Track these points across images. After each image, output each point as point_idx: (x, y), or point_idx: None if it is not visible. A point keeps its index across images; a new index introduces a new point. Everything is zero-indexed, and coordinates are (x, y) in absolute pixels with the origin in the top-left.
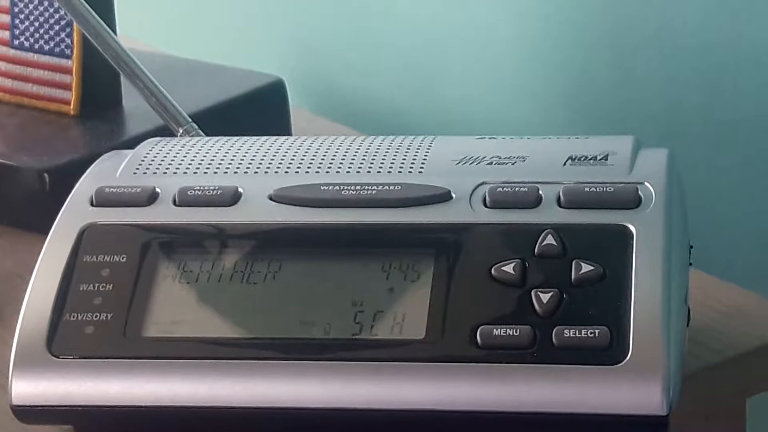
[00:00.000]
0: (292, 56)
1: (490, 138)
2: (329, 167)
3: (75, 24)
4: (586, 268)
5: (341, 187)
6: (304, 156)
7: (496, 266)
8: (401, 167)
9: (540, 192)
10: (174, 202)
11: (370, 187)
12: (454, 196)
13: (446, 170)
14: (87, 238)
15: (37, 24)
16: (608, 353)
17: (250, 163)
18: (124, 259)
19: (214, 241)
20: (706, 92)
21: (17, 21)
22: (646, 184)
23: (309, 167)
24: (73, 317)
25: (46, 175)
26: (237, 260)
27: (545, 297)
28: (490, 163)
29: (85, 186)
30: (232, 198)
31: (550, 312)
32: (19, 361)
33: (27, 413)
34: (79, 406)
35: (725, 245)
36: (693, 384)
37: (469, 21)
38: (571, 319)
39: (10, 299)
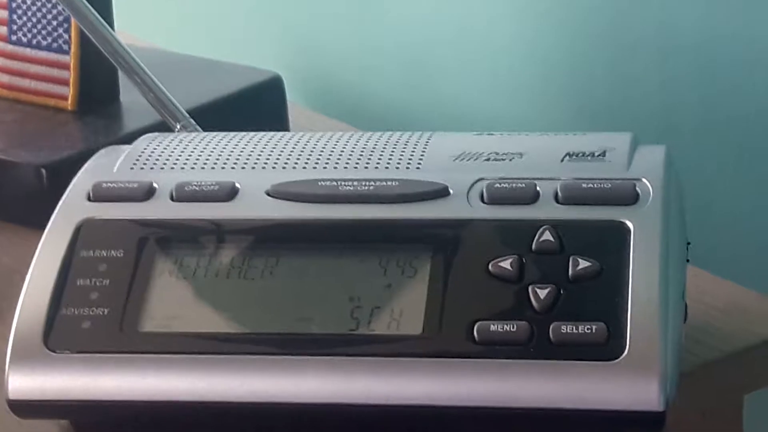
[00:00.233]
0: (289, 52)
1: (487, 134)
2: (327, 163)
3: (73, 20)
4: (583, 264)
5: (339, 183)
6: (301, 152)
7: (493, 262)
8: (399, 163)
9: (537, 188)
10: (171, 198)
11: (367, 183)
12: (451, 192)
13: (444, 166)
14: (84, 233)
15: (34, 20)
16: (605, 349)
17: (247, 159)
18: (121, 254)
19: (211, 236)
20: (703, 90)
21: (15, 16)
22: (643, 180)
23: (306, 163)
24: (70, 312)
25: (43, 170)
26: (234, 255)
27: (542, 293)
28: (488, 159)
29: (82, 181)
30: (230, 193)
31: (547, 308)
32: (16, 355)
33: (23, 408)
34: (76, 400)
35: (722, 242)
36: (690, 381)
37: (467, 18)
38: (568, 314)
39: (7, 294)
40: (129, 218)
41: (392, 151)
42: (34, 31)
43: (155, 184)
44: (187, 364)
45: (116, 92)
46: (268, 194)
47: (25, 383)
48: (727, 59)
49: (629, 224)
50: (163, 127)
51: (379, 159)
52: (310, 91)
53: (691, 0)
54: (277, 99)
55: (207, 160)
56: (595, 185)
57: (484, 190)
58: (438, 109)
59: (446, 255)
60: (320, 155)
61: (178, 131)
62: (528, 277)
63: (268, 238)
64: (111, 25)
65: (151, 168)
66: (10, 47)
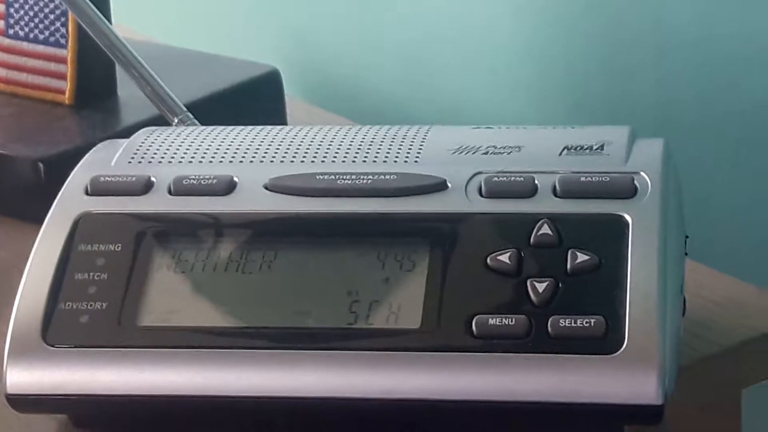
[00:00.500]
0: (287, 46)
1: (485, 128)
2: (325, 156)
3: (70, 13)
4: (581, 257)
5: (337, 177)
6: (299, 145)
7: (491, 256)
8: (397, 157)
9: (536, 181)
10: (169, 191)
11: (365, 177)
12: (449, 185)
13: (442, 160)
14: (82, 227)
15: (31, 13)
16: (604, 343)
17: (245, 153)
18: (119, 248)
19: (209, 230)
20: (700, 86)
21: (12, 10)
22: (642, 173)
23: (304, 156)
24: (68, 306)
25: (41, 164)
26: (232, 249)
27: (541, 286)
28: (486, 153)
29: (80, 175)
30: (227, 187)
31: (545, 301)
32: (14, 350)
33: (21, 402)
34: (74, 395)
35: (720, 236)
36: (688, 374)
37: (466, 14)
38: (566, 308)
39: (5, 289)
40: (127, 212)
41: (390, 145)
42: (32, 25)
43: (153, 178)
44: (185, 358)
45: (113, 86)
46: (266, 188)
47: (23, 378)
48: (724, 55)
49: (627, 218)
50: (160, 121)
51: (377, 153)
52: (308, 85)
53: None
54: (275, 93)
55: (205, 153)
56: (594, 179)
57: (483, 184)
58: (436, 105)
59: (444, 249)
60: (318, 149)
61: (175, 125)
62: (526, 270)
63: (266, 232)
64: (108, 18)
65: (149, 162)
66: (7, 41)
